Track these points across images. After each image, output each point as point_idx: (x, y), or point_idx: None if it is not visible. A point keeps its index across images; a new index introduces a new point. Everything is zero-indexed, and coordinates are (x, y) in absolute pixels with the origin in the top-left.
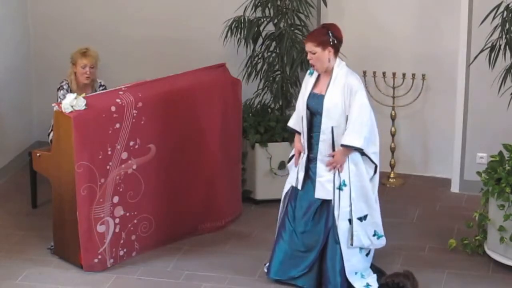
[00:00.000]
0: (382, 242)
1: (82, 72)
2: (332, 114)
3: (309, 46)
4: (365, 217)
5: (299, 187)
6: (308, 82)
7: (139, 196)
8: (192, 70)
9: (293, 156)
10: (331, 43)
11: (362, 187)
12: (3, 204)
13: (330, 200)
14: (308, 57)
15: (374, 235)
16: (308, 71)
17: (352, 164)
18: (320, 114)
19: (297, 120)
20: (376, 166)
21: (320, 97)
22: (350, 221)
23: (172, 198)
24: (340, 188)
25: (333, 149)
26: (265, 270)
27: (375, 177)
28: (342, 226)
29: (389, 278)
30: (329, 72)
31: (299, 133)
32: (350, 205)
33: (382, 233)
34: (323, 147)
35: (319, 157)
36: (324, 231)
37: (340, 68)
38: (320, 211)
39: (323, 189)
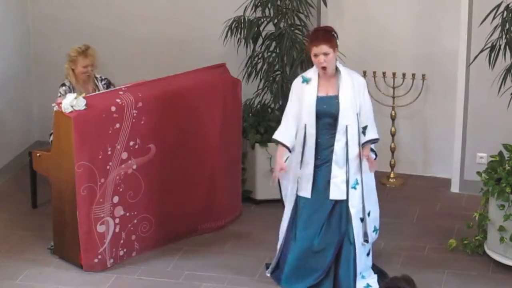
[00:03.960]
0: (377, 235)
1: (83, 71)
2: (348, 114)
3: (323, 48)
4: (369, 213)
5: (308, 196)
6: (304, 90)
7: (139, 196)
8: (192, 70)
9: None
10: (337, 44)
11: (370, 184)
12: (3, 204)
13: (342, 202)
14: (321, 60)
15: (373, 231)
16: (302, 79)
17: (364, 162)
18: (331, 116)
19: (288, 132)
20: (376, 157)
21: (332, 98)
22: (361, 219)
23: (172, 198)
24: (353, 187)
25: (347, 148)
26: (267, 274)
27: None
28: (356, 225)
29: (388, 284)
30: (332, 73)
31: (285, 147)
32: (362, 203)
33: (378, 227)
34: (338, 147)
35: (334, 157)
36: (339, 234)
37: (342, 67)
38: (331, 215)
39: (338, 189)
